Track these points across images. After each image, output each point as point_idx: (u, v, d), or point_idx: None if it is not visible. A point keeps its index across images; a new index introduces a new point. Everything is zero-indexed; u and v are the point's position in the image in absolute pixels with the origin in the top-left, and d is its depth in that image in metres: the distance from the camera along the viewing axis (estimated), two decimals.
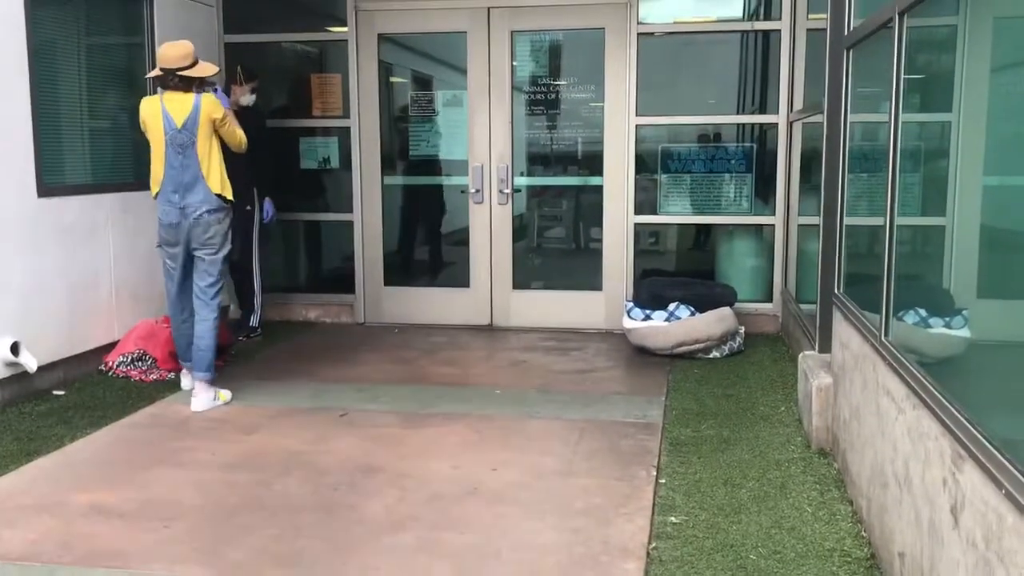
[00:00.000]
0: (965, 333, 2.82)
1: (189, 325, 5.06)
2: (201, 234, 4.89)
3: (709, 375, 5.65)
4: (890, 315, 3.16)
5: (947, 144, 3.09)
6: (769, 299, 6.93)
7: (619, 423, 4.70)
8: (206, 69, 4.97)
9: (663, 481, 3.89)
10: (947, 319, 2.98)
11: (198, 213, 4.86)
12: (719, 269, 7.17)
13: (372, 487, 3.86)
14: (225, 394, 5.06)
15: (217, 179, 4.91)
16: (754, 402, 5.04)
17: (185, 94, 4.85)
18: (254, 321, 6.80)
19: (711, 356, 6.07)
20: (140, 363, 5.60)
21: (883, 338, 3.14)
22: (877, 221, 3.38)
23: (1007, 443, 1.96)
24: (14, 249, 4.98)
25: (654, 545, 3.27)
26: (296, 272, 7.87)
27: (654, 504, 3.64)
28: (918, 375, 2.67)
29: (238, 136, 5.08)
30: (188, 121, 4.80)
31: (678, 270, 7.24)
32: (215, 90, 6.46)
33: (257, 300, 6.80)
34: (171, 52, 4.86)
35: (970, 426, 2.17)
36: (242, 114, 6.43)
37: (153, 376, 5.58)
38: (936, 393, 2.47)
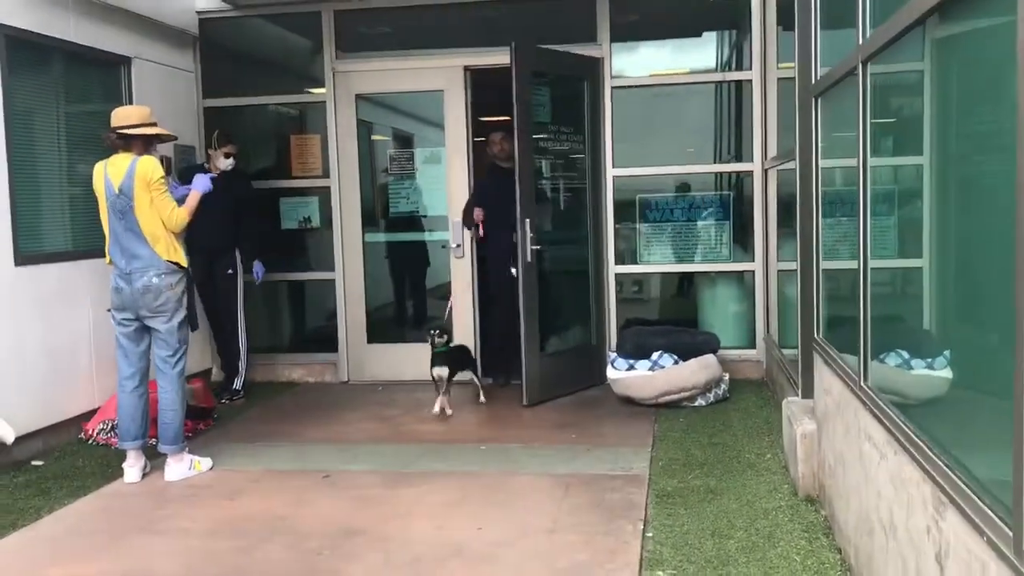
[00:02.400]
0: (946, 374, 2.82)
1: (135, 398, 4.84)
2: (151, 301, 4.70)
3: (695, 423, 5.62)
4: (868, 359, 3.16)
5: (919, 186, 3.12)
6: (752, 345, 6.93)
7: (605, 476, 4.65)
8: (150, 128, 4.77)
9: (650, 534, 3.84)
10: (928, 360, 2.97)
11: (144, 279, 4.68)
12: (702, 316, 7.19)
13: (355, 551, 3.80)
14: (203, 463, 4.95)
15: (164, 244, 4.72)
16: (740, 450, 5.01)
17: (126, 156, 4.70)
18: (237, 384, 6.74)
19: (696, 404, 6.04)
20: (116, 430, 5.51)
21: (862, 383, 3.14)
22: (852, 264, 3.40)
23: (987, 488, 1.95)
24: None
25: None
26: (279, 332, 7.84)
27: (641, 559, 3.59)
28: (897, 420, 2.67)
29: (168, 210, 4.71)
30: (124, 184, 4.64)
31: (661, 318, 7.25)
32: (202, 166, 6.50)
33: (242, 363, 6.75)
34: (120, 112, 4.82)
35: (950, 472, 2.16)
36: (223, 178, 6.47)
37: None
38: (915, 438, 2.46)
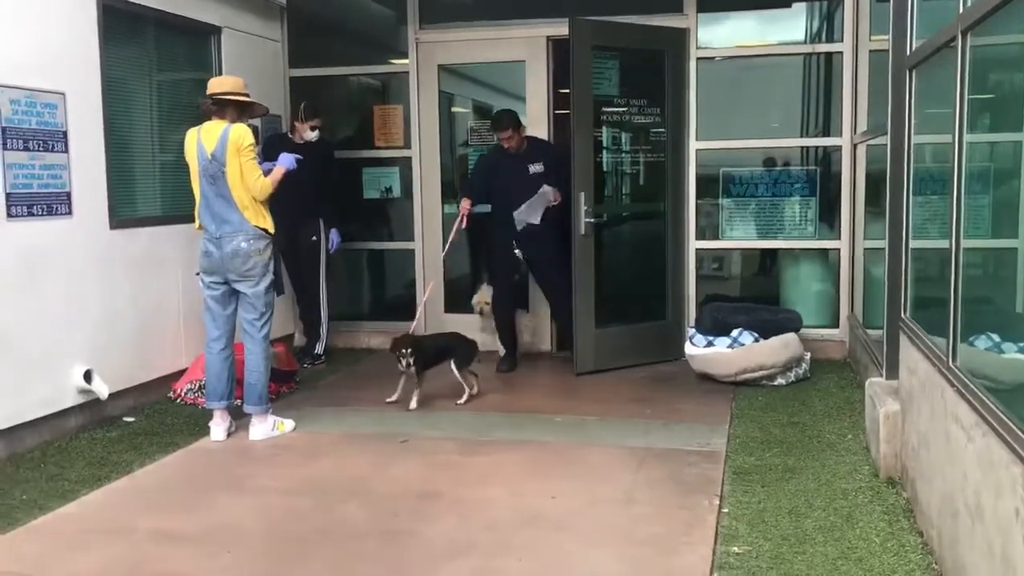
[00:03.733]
0: None
1: (221, 360, 4.98)
2: (240, 265, 4.81)
3: (774, 402, 5.55)
4: (957, 340, 3.07)
5: (1020, 164, 3.00)
6: (836, 324, 6.79)
7: (681, 451, 4.63)
8: (243, 97, 4.89)
9: (726, 510, 3.82)
10: (1022, 344, 2.88)
11: (233, 244, 4.79)
12: (784, 294, 7.06)
13: (432, 513, 3.87)
14: (286, 424, 5.09)
15: (253, 210, 4.83)
16: (820, 430, 4.93)
17: (219, 123, 4.81)
18: (319, 349, 6.89)
19: (776, 383, 5.96)
20: (204, 390, 5.70)
21: (950, 363, 3.05)
22: (943, 244, 3.29)
23: None
24: (87, 279, 5.15)
25: (716, 575, 3.21)
26: (359, 300, 7.97)
27: (717, 534, 3.57)
28: (987, 401, 2.59)
29: (253, 177, 4.79)
30: (217, 150, 4.75)
31: (742, 295, 7.15)
32: (287, 135, 6.63)
33: (323, 328, 6.89)
34: (216, 81, 4.95)
35: None
36: (308, 148, 6.59)
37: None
38: (1006, 419, 2.39)
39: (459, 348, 5.78)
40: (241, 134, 4.78)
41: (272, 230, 4.93)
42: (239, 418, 5.14)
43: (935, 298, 3.58)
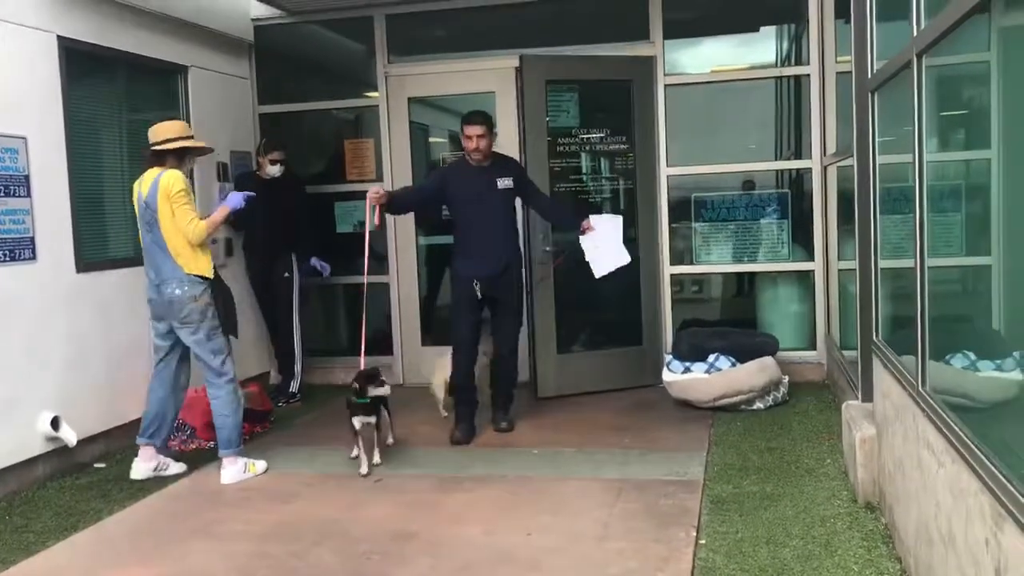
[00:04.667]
0: (1014, 376, 2.70)
1: (155, 399, 5.03)
2: (177, 312, 4.80)
3: (752, 427, 5.51)
4: (926, 363, 3.04)
5: (986, 181, 2.99)
6: (813, 347, 6.77)
7: (658, 481, 4.58)
8: (179, 142, 4.83)
9: (703, 542, 3.76)
10: (998, 362, 2.85)
11: (169, 290, 4.79)
12: (760, 317, 7.05)
13: (405, 555, 3.80)
14: (257, 466, 5.02)
15: (186, 256, 4.79)
16: (799, 455, 4.89)
17: (155, 170, 4.80)
18: (293, 387, 6.82)
19: (754, 407, 5.92)
20: (179, 432, 5.62)
21: (920, 388, 3.03)
22: (909, 264, 3.28)
23: None
24: (53, 324, 5.07)
25: None
26: (335, 335, 7.90)
27: (693, 567, 3.52)
28: (955, 427, 2.56)
29: (186, 221, 4.73)
30: (149, 197, 4.74)
31: (718, 319, 7.13)
32: (254, 173, 6.63)
33: (297, 366, 6.82)
34: (155, 129, 4.89)
35: (1008, 484, 2.05)
36: (275, 184, 6.57)
37: (192, 445, 5.61)
38: (973, 447, 2.36)
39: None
40: (171, 181, 4.75)
41: (209, 275, 4.87)
42: (211, 461, 5.06)
43: (904, 319, 3.57)
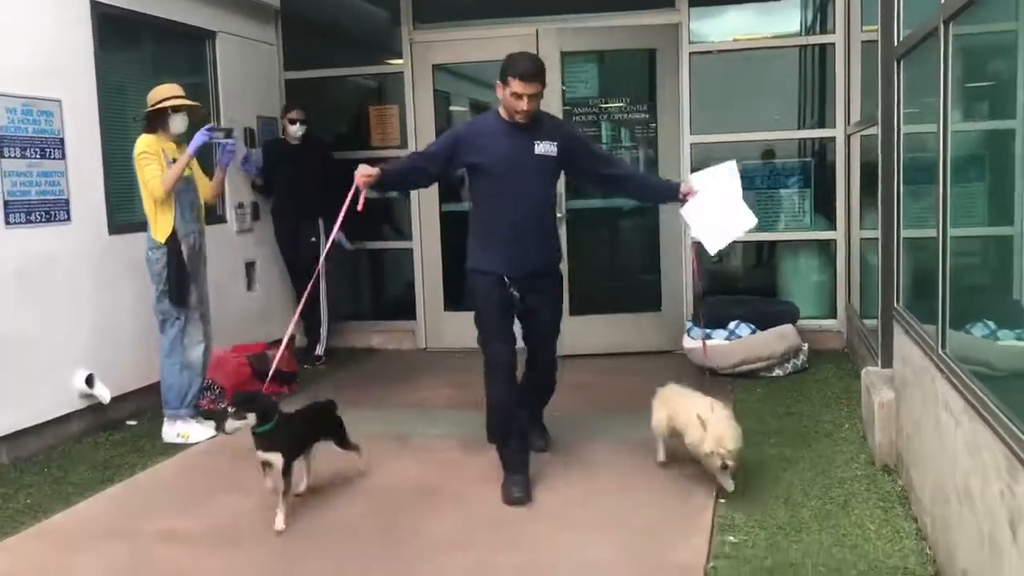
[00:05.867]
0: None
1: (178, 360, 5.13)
2: (147, 273, 5.03)
3: (772, 393, 5.58)
4: (946, 327, 3.10)
5: (1010, 151, 3.03)
6: (833, 315, 6.82)
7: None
8: (163, 103, 4.92)
9: (722, 501, 3.85)
10: (1018, 331, 2.90)
11: (144, 252, 5.02)
12: (781, 285, 7.09)
13: (433, 510, 3.91)
14: (192, 435, 5.08)
15: (153, 220, 4.94)
16: (817, 420, 4.96)
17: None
18: (319, 350, 6.94)
19: (774, 374, 5.99)
20: (209, 392, 5.75)
21: (940, 351, 3.09)
22: (932, 233, 3.32)
23: None
24: (87, 285, 5.19)
25: (712, 565, 3.25)
26: (360, 300, 8.02)
27: (713, 524, 3.61)
28: (973, 386, 2.62)
29: (145, 178, 4.85)
30: (133, 164, 4.95)
31: (739, 288, 7.18)
32: (280, 139, 6.76)
33: (323, 329, 6.94)
34: (150, 95, 5.00)
35: (1023, 435, 2.12)
36: (302, 148, 6.67)
37: (222, 405, 5.73)
38: (990, 404, 2.42)
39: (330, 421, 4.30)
40: (138, 144, 4.90)
41: (161, 239, 4.95)
42: None
43: (926, 286, 3.62)
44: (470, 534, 3.65)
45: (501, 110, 4.14)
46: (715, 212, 4.17)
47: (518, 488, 3.97)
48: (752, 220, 4.20)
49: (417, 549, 3.55)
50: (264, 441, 3.74)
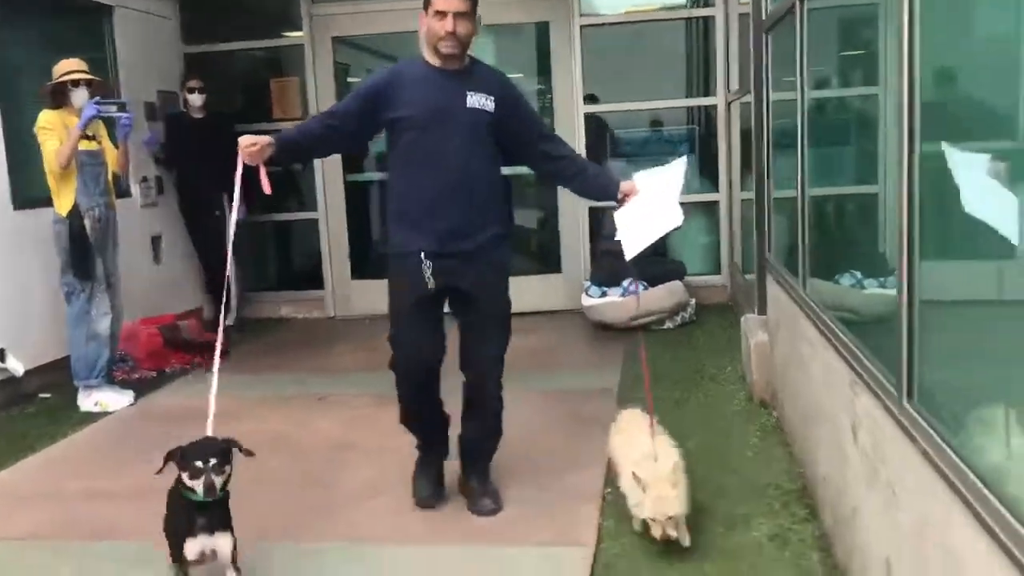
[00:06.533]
0: (865, 285, 3.13)
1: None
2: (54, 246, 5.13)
3: (663, 344, 6.01)
4: (806, 273, 3.52)
5: (875, 116, 3.41)
6: (718, 271, 7.31)
7: (579, 392, 5.04)
8: (64, 77, 5.05)
9: None
10: (862, 275, 3.31)
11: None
12: (670, 245, 7.54)
13: (353, 462, 4.17)
14: (111, 405, 5.21)
15: (56, 194, 5.07)
16: (704, 365, 5.41)
17: None
18: (230, 320, 7.05)
19: (664, 327, 6.44)
20: (123, 364, 5.85)
21: (802, 292, 3.50)
22: (793, 192, 3.73)
23: (884, 364, 2.31)
24: None
25: (608, 490, 3.62)
26: (267, 271, 8.14)
27: (609, 458, 3.98)
28: (826, 320, 3.03)
29: (44, 152, 5.01)
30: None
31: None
32: (182, 112, 6.83)
33: (233, 301, 7.06)
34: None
35: (862, 357, 2.53)
36: (204, 123, 6.76)
37: (136, 376, 5.84)
38: (839, 333, 2.84)
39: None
40: (39, 119, 5.01)
41: (61, 212, 5.08)
42: (159, 387, 5.33)
43: (792, 241, 4.04)
44: (386, 481, 3.92)
45: (426, 53, 3.33)
46: (645, 212, 3.49)
47: (426, 491, 3.65)
48: (678, 219, 3.42)
49: (336, 497, 3.81)
50: (204, 516, 2.73)
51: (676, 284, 6.51)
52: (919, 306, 2.09)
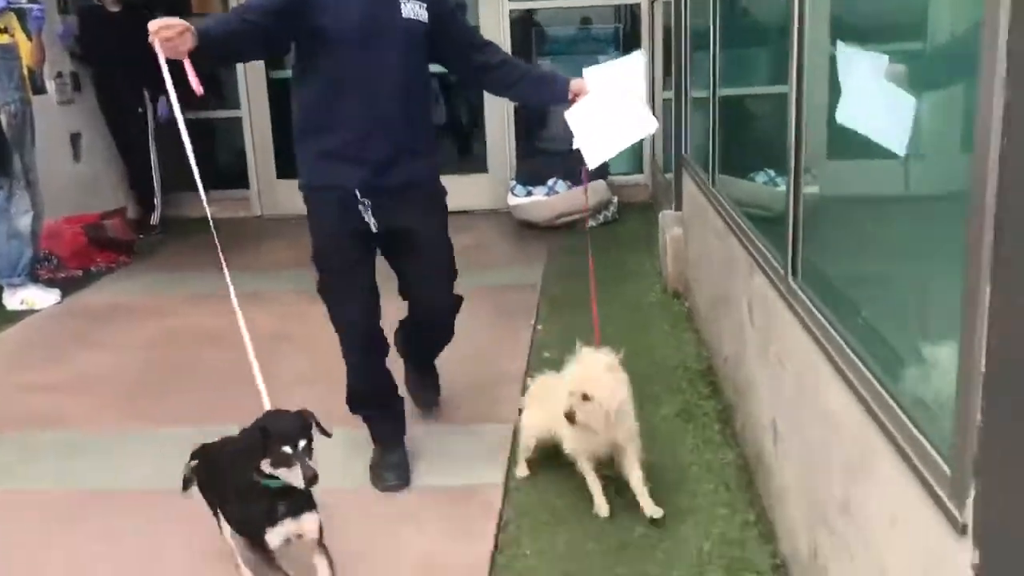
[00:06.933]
0: (760, 180, 3.32)
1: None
2: None
3: (585, 241, 6.21)
4: (716, 169, 3.72)
5: (786, 17, 3.57)
6: (641, 171, 7.51)
7: (504, 287, 5.23)
8: None
9: (540, 327, 4.46)
10: (760, 172, 3.51)
11: None
12: None
13: (286, 352, 4.32)
14: (38, 302, 5.25)
15: None
16: (624, 261, 5.64)
17: None
18: (154, 220, 7.04)
19: (588, 226, 6.63)
20: (47, 263, 5.84)
21: (711, 186, 3.72)
22: (706, 92, 3.90)
23: (779, 249, 2.54)
24: None
25: (531, 374, 3.84)
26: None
27: (531, 346, 4.21)
28: (730, 210, 3.25)
29: None
30: None
31: (556, 148, 7.72)
32: (100, 5, 6.63)
33: (157, 200, 7.03)
34: None
35: (759, 243, 2.75)
36: (122, 18, 6.60)
37: (61, 275, 5.84)
38: (740, 223, 3.05)
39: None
40: None
41: None
42: (86, 285, 5.36)
43: (703, 137, 4.23)
44: (319, 370, 4.08)
45: None
46: (606, 115, 3.13)
47: (393, 474, 3.11)
48: (652, 125, 3.13)
49: (272, 385, 3.95)
50: (285, 502, 2.30)
51: (600, 183, 6.69)
52: (817, 200, 2.30)
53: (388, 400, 3.28)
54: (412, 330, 3.43)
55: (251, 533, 2.34)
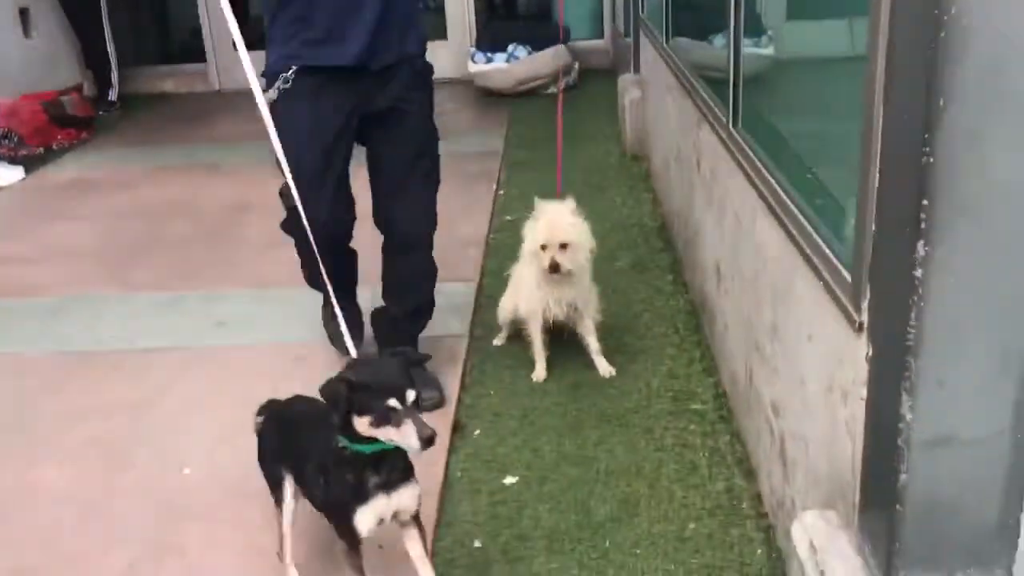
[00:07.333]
0: (709, 40, 3.38)
1: None
2: None
3: (546, 108, 6.27)
4: (669, 28, 3.79)
5: None
6: (601, 36, 7.49)
7: (466, 154, 5.30)
8: None
9: (502, 192, 4.58)
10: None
11: None
12: (554, 10, 7.63)
13: (251, 220, 4.42)
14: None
15: None
16: (585, 126, 5.72)
17: None
18: (112, 95, 6.96)
19: (549, 91, 6.67)
20: (7, 141, 5.81)
21: (664, 44, 3.79)
22: None
23: (723, 100, 2.65)
24: None
25: (493, 236, 4.00)
26: (146, 46, 7.92)
27: (493, 209, 4.34)
28: (682, 68, 3.34)
29: None
30: None
31: (517, 14, 7.67)
32: None
33: (113, 75, 6.93)
34: None
35: (705, 97, 2.86)
36: None
37: (23, 152, 5.83)
38: (690, 78, 3.15)
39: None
40: None
41: None
42: (47, 162, 5.38)
43: None
44: (279, 233, 4.19)
45: None
46: None
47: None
48: None
49: (237, 249, 4.10)
50: (376, 470, 1.78)
51: (560, 48, 6.69)
52: (769, 59, 2.39)
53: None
54: (386, 268, 2.96)
55: (336, 516, 1.81)
